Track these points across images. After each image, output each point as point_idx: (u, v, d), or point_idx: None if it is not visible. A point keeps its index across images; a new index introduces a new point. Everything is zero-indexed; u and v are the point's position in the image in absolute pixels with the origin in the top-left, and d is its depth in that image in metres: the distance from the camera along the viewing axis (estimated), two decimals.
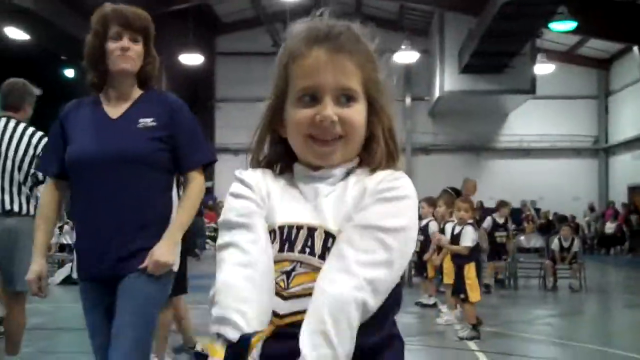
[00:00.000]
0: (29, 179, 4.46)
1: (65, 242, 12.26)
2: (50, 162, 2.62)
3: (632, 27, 17.64)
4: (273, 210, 1.22)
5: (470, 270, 6.57)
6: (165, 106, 2.57)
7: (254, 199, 1.22)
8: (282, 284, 1.16)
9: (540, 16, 15.24)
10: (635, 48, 19.32)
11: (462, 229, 6.73)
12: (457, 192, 8.49)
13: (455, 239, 6.77)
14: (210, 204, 20.64)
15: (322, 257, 1.15)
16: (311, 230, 1.18)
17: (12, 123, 4.51)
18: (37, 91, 4.79)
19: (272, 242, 1.18)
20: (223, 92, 25.12)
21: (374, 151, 1.25)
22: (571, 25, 15.53)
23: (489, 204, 21.12)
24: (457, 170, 20.89)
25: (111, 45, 2.55)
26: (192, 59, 20.50)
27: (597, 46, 23.06)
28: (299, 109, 1.22)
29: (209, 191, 24.36)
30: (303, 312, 1.10)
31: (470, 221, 6.80)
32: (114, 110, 2.56)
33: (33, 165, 4.42)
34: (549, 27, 16.12)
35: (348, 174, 1.24)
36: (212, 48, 24.22)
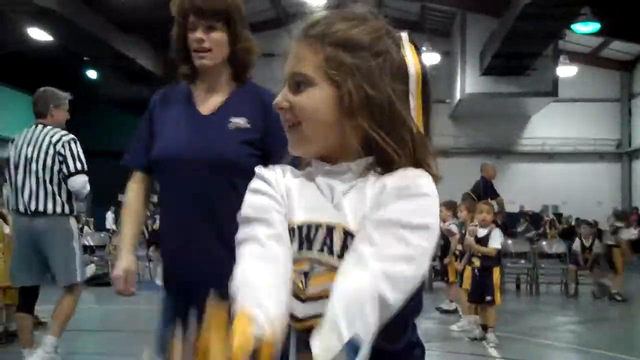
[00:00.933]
0: (55, 176, 4.64)
1: (87, 243, 12.34)
2: (136, 154, 2.43)
3: None
4: (292, 209, 1.20)
5: (497, 273, 6.58)
6: (259, 104, 2.31)
7: (273, 195, 1.22)
8: (300, 285, 1.13)
9: (563, 17, 15.09)
10: None
11: (490, 231, 6.69)
12: (478, 197, 8.43)
13: (480, 242, 6.72)
14: None
15: (342, 256, 1.11)
16: (330, 229, 1.15)
17: (39, 128, 4.76)
18: (65, 95, 4.95)
19: (291, 241, 1.16)
20: None
21: (371, 145, 1.18)
22: (594, 26, 15.36)
23: (511, 208, 21.01)
24: (478, 173, 20.75)
25: (189, 37, 2.30)
26: None
27: (620, 48, 22.82)
28: None
29: None
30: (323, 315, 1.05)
31: (494, 223, 6.80)
32: (204, 105, 2.33)
33: (56, 163, 4.62)
34: (571, 28, 15.96)
35: (368, 169, 1.19)
36: None
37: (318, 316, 1.06)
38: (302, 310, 1.12)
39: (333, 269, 1.10)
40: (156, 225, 12.40)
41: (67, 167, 4.68)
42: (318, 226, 1.16)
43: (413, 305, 1.13)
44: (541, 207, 21.13)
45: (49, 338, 4.60)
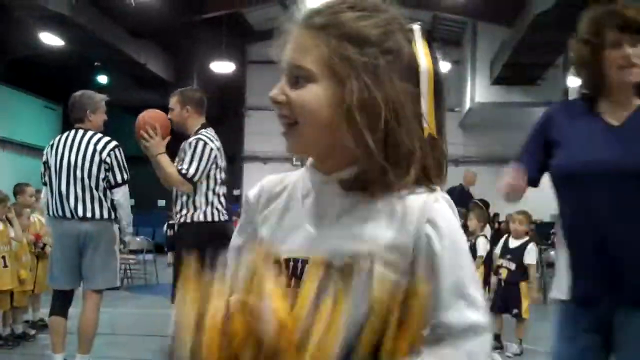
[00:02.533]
0: (101, 184, 4.69)
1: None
2: (529, 164, 2.45)
3: None
4: (279, 235, 1.16)
5: (525, 287, 6.44)
6: None
7: (249, 214, 1.24)
8: None
9: (574, 27, 15.04)
10: None
11: (525, 244, 6.52)
12: (487, 205, 8.39)
13: (512, 253, 6.58)
14: (238, 212, 20.70)
15: None
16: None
17: (79, 133, 4.80)
18: (101, 97, 4.97)
19: (280, 275, 1.08)
20: (253, 100, 25.20)
21: (369, 152, 1.07)
22: None
23: None
24: (487, 182, 20.68)
25: (611, 53, 2.25)
26: (223, 67, 20.60)
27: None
28: None
29: (237, 199, 24.48)
30: None
31: (527, 235, 6.68)
32: (613, 119, 2.30)
33: (101, 170, 4.70)
34: None
35: (361, 181, 1.10)
36: (243, 56, 24.34)
37: None
38: None
39: None
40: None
41: (114, 177, 4.74)
42: (305, 261, 1.10)
43: None
44: (550, 217, 20.98)
45: (80, 357, 4.62)
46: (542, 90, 19.93)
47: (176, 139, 4.70)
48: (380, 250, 1.05)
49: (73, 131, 4.81)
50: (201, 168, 4.56)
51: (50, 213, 4.80)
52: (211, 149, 4.62)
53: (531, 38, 15.61)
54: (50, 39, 16.22)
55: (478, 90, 20.78)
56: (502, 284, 6.51)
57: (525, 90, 19.96)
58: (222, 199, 4.77)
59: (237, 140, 24.80)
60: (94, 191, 4.65)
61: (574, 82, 20.35)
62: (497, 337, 6.51)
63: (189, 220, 4.57)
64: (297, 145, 1.15)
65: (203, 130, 4.75)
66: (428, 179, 1.12)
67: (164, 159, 4.52)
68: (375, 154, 1.07)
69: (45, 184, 4.87)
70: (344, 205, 1.12)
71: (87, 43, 16.40)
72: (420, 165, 1.10)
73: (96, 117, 4.86)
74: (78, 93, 4.96)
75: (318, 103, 1.09)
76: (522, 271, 6.45)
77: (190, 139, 4.67)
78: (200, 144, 4.61)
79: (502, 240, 6.87)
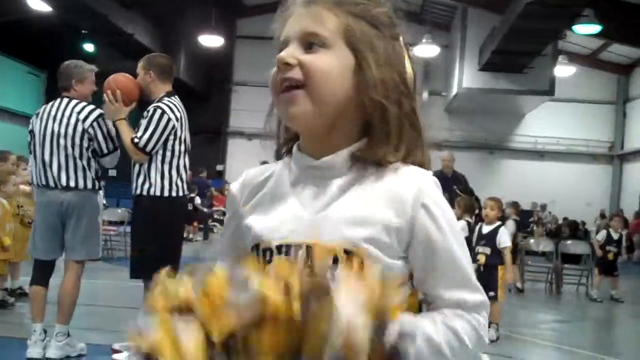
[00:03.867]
0: (85, 153, 4.63)
1: None
2: None
3: None
4: (268, 223, 1.13)
5: (501, 270, 6.59)
6: None
7: (233, 207, 1.23)
8: None
9: (565, 17, 15.08)
10: None
11: (496, 228, 6.69)
12: (470, 192, 8.43)
13: (486, 238, 6.73)
14: (220, 188, 20.67)
15: None
16: (310, 249, 1.05)
17: (64, 102, 4.71)
18: (89, 68, 4.89)
19: (271, 262, 1.08)
20: (240, 76, 25.08)
21: (371, 125, 1.10)
22: (596, 28, 15.36)
23: None
24: (470, 167, 20.80)
25: None
26: (211, 41, 20.45)
27: (619, 51, 22.84)
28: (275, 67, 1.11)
29: (220, 174, 24.41)
30: None
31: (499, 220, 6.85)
32: None
33: (84, 139, 4.61)
34: (572, 29, 15.96)
35: (355, 161, 1.10)
36: (232, 31, 24.18)
37: None
38: None
39: None
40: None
41: (100, 147, 4.68)
42: (298, 246, 1.08)
43: None
44: (530, 205, 21.17)
45: (59, 327, 4.59)
46: (529, 78, 19.99)
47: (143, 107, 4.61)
48: (378, 233, 1.06)
49: (58, 100, 4.74)
50: (155, 138, 4.42)
51: (34, 182, 4.77)
52: (169, 119, 4.46)
53: (521, 26, 15.62)
54: (38, 4, 16.01)
55: (466, 76, 20.80)
56: (481, 269, 6.62)
57: (513, 77, 20.01)
58: (183, 172, 4.60)
59: (223, 115, 24.74)
60: (78, 160, 4.59)
61: (561, 71, 20.43)
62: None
63: (145, 193, 4.48)
64: (300, 113, 1.08)
65: (166, 98, 4.58)
66: (414, 156, 1.14)
67: (122, 126, 4.49)
68: (381, 127, 1.09)
69: (31, 152, 4.85)
70: (339, 188, 1.11)
71: (75, 10, 16.21)
72: (414, 143, 1.14)
73: (82, 87, 4.79)
74: (66, 62, 4.89)
75: (331, 67, 1.07)
76: (497, 254, 6.58)
77: (150, 107, 4.54)
78: (158, 112, 4.45)
79: (476, 228, 6.97)
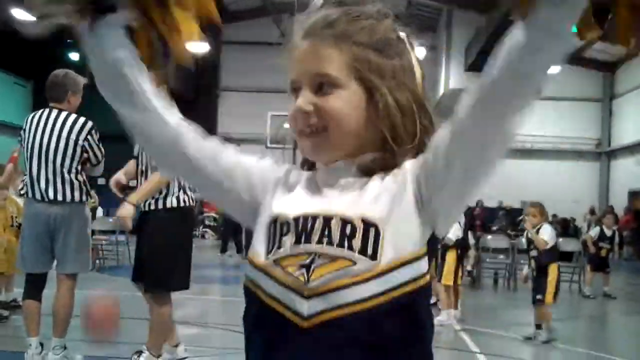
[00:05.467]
0: (74, 166, 4.59)
1: None
2: None
3: None
4: (287, 202, 1.15)
5: (553, 272, 6.67)
6: None
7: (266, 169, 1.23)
8: (302, 279, 1.05)
9: None
10: None
11: (539, 228, 6.81)
12: None
13: (530, 243, 6.91)
14: None
15: (341, 244, 1.05)
16: (327, 220, 1.08)
17: (53, 113, 4.64)
18: (82, 80, 4.81)
19: (287, 234, 1.10)
20: (227, 81, 25.08)
21: (387, 146, 1.13)
22: None
23: (489, 203, 21.14)
24: None
25: None
26: (198, 47, 20.37)
27: (603, 49, 22.96)
28: (290, 105, 1.16)
29: None
30: (330, 310, 1.03)
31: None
32: None
33: (77, 153, 4.58)
34: None
35: (370, 168, 1.14)
36: (218, 37, 24.18)
37: (326, 311, 1.03)
38: (308, 307, 1.04)
39: (333, 259, 1.05)
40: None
41: (95, 156, 4.68)
42: (315, 217, 1.10)
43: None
44: (520, 203, 21.23)
45: (55, 340, 4.54)
46: None
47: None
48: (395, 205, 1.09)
49: (47, 110, 4.66)
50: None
51: (24, 194, 4.74)
52: None
53: (506, 26, 15.61)
54: (21, 14, 15.94)
55: (452, 77, 20.89)
56: (534, 273, 6.76)
57: None
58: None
59: (211, 121, 24.69)
60: (65, 174, 4.52)
61: None
62: (538, 326, 6.71)
63: (160, 207, 4.32)
64: (323, 150, 1.15)
65: None
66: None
67: (141, 196, 4.31)
68: (400, 145, 1.13)
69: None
70: (352, 181, 1.14)
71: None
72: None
73: (75, 99, 4.73)
74: (60, 72, 4.80)
75: (348, 107, 1.12)
76: (547, 253, 6.68)
77: None
78: None
79: (524, 236, 7.15)
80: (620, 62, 24.12)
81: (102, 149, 4.73)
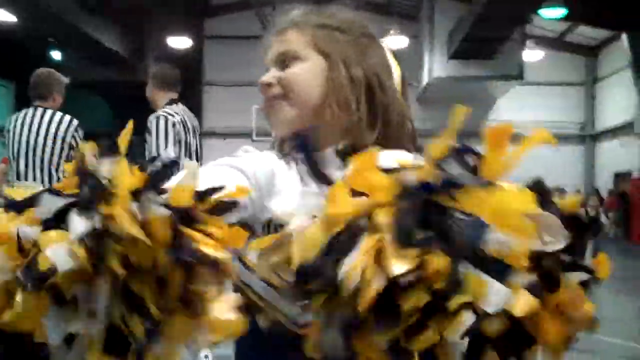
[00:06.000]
0: (62, 163, 4.59)
1: None
2: None
3: (620, 15, 17.66)
4: (282, 202, 1.11)
5: None
6: None
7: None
8: None
9: (531, 2, 15.21)
10: (624, 35, 19.36)
11: None
12: None
13: None
14: None
15: None
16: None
17: (38, 112, 4.65)
18: (64, 79, 4.87)
19: None
20: (211, 76, 24.97)
21: (352, 129, 1.15)
22: (562, 12, 15.50)
23: None
24: None
25: None
26: (180, 42, 20.32)
27: (585, 33, 23.07)
28: None
29: None
30: None
31: None
32: None
33: (64, 151, 4.58)
34: (538, 13, 16.10)
35: (343, 156, 1.10)
36: (200, 31, 24.06)
37: None
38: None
39: None
40: None
41: None
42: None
43: None
44: None
45: None
46: (498, 64, 20.13)
47: None
48: None
49: (32, 109, 4.68)
50: (167, 145, 4.48)
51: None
52: (166, 122, 4.56)
53: (488, 12, 15.71)
54: (3, 15, 15.81)
55: (436, 65, 20.89)
56: None
57: (482, 64, 20.13)
58: None
59: (196, 116, 24.62)
60: (53, 171, 4.56)
61: (529, 56, 20.59)
62: None
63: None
64: (285, 120, 1.17)
65: (167, 106, 4.72)
66: (402, 147, 1.21)
67: None
68: (365, 121, 1.15)
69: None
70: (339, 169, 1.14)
71: (40, 19, 16.01)
72: (400, 132, 1.21)
73: (60, 97, 4.78)
74: (44, 70, 4.85)
75: (307, 75, 1.16)
76: None
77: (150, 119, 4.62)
78: (154, 121, 4.53)
79: None
80: (601, 46, 24.23)
81: None
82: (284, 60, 1.18)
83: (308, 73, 1.16)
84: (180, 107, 4.77)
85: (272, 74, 1.19)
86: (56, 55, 19.69)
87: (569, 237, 0.70)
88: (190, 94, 24.57)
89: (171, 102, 4.76)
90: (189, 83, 26.60)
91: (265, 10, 20.06)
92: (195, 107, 24.69)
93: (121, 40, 19.79)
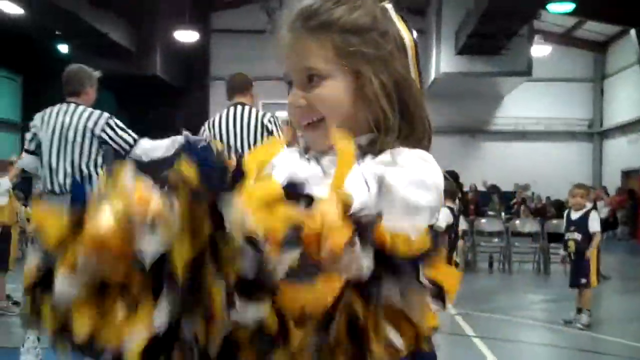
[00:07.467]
0: (92, 158, 4.61)
1: None
2: None
3: (629, 10, 17.55)
4: None
5: (593, 255, 6.60)
6: None
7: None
8: None
9: None
10: (632, 31, 19.24)
11: (587, 213, 6.70)
12: (454, 176, 8.43)
13: (575, 224, 6.73)
14: None
15: None
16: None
17: (71, 107, 4.68)
18: (96, 74, 4.90)
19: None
20: (218, 70, 24.93)
21: (378, 127, 1.15)
22: (569, 6, 15.43)
23: (483, 187, 21.15)
24: (452, 152, 20.89)
25: None
26: (187, 36, 20.30)
27: (594, 29, 22.95)
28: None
29: None
30: None
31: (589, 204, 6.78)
32: None
33: (94, 146, 4.61)
34: (546, 8, 16.01)
35: (366, 150, 1.13)
36: (207, 25, 24.04)
37: None
38: None
39: None
40: None
41: (120, 146, 4.61)
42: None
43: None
44: (513, 186, 21.27)
45: (31, 332, 4.56)
46: (506, 59, 20.03)
47: None
48: None
49: (65, 105, 4.71)
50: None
51: (43, 187, 4.78)
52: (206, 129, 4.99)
53: (495, 8, 15.63)
54: (10, 8, 15.82)
55: (443, 61, 20.80)
56: (572, 256, 6.65)
57: (490, 60, 20.04)
58: None
59: (203, 111, 24.60)
60: (84, 167, 4.60)
61: (537, 51, 20.49)
62: (579, 310, 6.67)
63: None
64: (323, 139, 1.15)
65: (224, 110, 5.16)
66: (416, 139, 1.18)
67: None
68: (395, 126, 1.15)
69: (27, 150, 4.84)
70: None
71: (47, 12, 16.02)
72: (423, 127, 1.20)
73: (91, 92, 4.83)
74: (74, 66, 4.88)
75: (339, 95, 1.16)
76: (589, 240, 6.57)
77: None
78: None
79: (564, 215, 7.04)
80: (610, 42, 24.11)
81: (130, 134, 4.68)
82: (310, 76, 1.16)
83: (338, 92, 1.16)
84: (231, 110, 5.08)
85: (297, 95, 1.18)
86: (63, 48, 19.70)
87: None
88: (198, 88, 24.63)
89: (230, 106, 5.11)
90: (197, 77, 26.71)
91: (272, 3, 20.02)
92: (203, 102, 24.82)
93: (128, 33, 19.78)
